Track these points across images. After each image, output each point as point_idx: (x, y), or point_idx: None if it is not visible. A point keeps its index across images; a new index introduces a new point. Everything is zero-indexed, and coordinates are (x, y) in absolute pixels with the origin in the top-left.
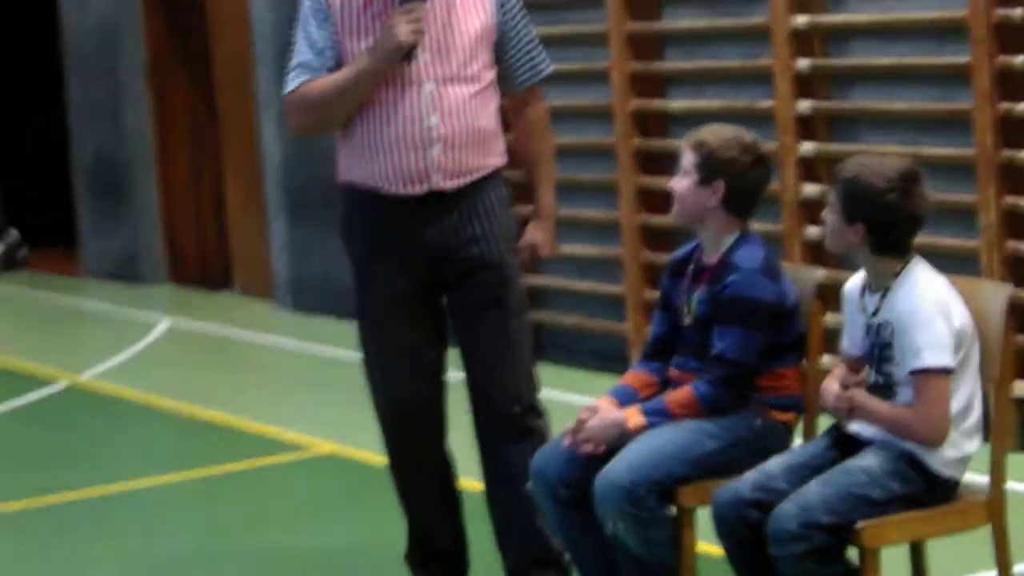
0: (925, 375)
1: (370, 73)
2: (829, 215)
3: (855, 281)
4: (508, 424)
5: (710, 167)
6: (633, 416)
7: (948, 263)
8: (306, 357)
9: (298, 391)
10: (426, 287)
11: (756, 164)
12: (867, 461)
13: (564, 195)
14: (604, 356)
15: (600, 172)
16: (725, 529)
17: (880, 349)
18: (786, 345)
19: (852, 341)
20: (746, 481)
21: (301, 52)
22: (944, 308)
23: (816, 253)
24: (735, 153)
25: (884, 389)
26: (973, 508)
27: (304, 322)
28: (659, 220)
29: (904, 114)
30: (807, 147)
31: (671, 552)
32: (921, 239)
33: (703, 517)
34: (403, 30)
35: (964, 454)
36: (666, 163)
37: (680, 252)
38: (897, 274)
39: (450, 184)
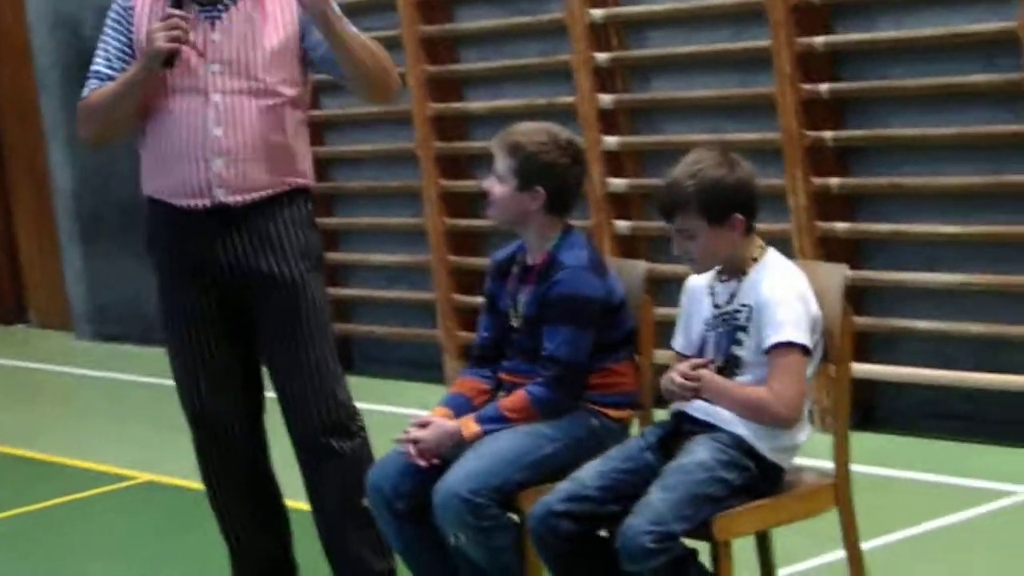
0: (787, 348)
1: (134, 78)
2: (683, 226)
3: (701, 277)
4: (312, 446)
5: (528, 173)
6: (468, 425)
7: None
8: (112, 386)
9: (107, 421)
10: (226, 302)
11: (574, 164)
12: (699, 455)
13: (369, 203)
14: (418, 364)
15: (403, 178)
16: (540, 543)
17: (732, 332)
18: (617, 341)
19: (687, 338)
20: (558, 492)
21: (96, 61)
22: (803, 293)
23: (625, 246)
24: (553, 157)
25: (726, 372)
26: (821, 492)
27: (106, 351)
28: (466, 223)
29: (707, 101)
30: (611, 141)
31: (515, 559)
32: None
33: None
34: (160, 36)
35: (794, 443)
36: (469, 165)
37: (503, 252)
38: (755, 259)
39: (234, 199)
